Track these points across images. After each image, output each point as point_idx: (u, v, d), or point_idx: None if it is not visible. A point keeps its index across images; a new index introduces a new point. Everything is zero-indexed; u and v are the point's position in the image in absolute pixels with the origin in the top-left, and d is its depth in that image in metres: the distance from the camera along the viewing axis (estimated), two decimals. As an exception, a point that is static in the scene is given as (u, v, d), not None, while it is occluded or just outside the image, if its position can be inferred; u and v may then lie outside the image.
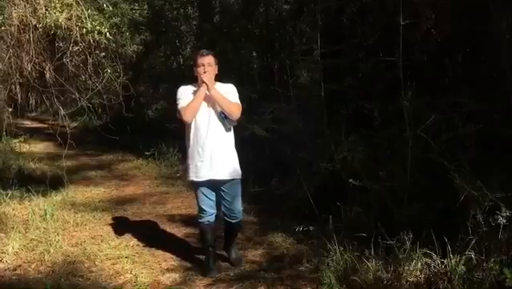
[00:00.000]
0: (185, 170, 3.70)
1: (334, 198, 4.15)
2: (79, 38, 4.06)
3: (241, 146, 5.14)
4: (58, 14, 3.85)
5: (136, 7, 10.38)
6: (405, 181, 3.67)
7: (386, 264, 3.32)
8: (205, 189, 3.58)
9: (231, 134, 3.64)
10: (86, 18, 4.05)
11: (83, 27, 4.03)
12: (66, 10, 3.89)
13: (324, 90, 4.99)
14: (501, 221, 2.75)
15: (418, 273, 3.14)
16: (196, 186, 3.62)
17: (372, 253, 3.29)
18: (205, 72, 3.48)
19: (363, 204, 3.93)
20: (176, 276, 3.65)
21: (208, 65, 3.50)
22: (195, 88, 3.56)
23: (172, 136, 8.11)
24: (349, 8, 5.87)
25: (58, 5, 3.83)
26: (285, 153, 5.31)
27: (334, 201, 4.11)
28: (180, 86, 3.64)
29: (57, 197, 5.85)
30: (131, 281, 3.56)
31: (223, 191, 3.60)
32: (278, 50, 6.26)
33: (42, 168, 7.84)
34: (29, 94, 5.08)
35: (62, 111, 4.38)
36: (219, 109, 3.52)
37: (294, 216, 4.61)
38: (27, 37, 4.03)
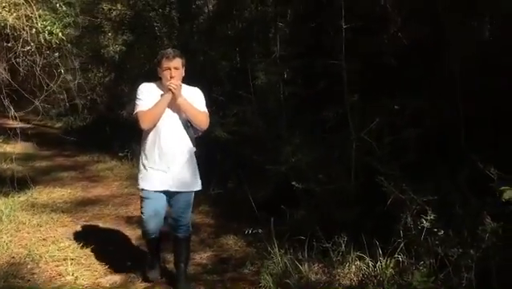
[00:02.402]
0: (139, 176, 3.28)
1: (286, 201, 4.14)
2: (29, 39, 4.04)
3: (203, 148, 5.16)
4: (5, 13, 3.83)
5: (118, 7, 10.40)
6: (349, 184, 3.66)
7: (324, 267, 3.33)
8: (154, 200, 3.20)
9: (194, 143, 3.31)
10: (36, 18, 4.02)
11: (33, 27, 4.01)
12: (13, 10, 3.86)
13: (283, 93, 4.99)
14: (426, 224, 2.74)
15: (352, 276, 3.13)
16: (145, 196, 3.22)
17: (306, 256, 3.29)
18: (171, 77, 3.12)
19: (310, 207, 3.92)
20: (117, 278, 3.64)
21: (175, 69, 3.13)
22: (158, 89, 3.21)
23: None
24: (318, 13, 5.87)
25: (5, 3, 3.80)
26: (246, 156, 5.30)
27: (285, 204, 4.11)
28: (142, 83, 3.29)
29: (20, 198, 5.83)
30: (70, 283, 3.54)
31: (176, 202, 3.26)
32: (246, 53, 6.25)
33: (14, 169, 7.79)
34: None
35: (12, 111, 4.35)
36: (184, 116, 3.19)
37: (250, 219, 4.59)
38: (-23, 37, 4.01)
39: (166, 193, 3.22)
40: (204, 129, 3.29)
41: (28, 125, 12.01)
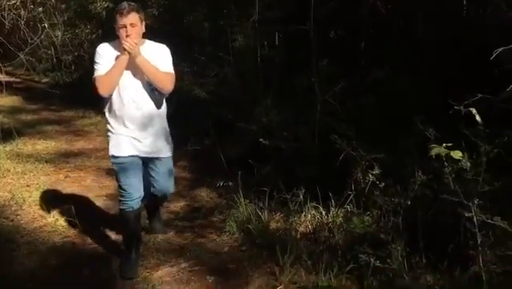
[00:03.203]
0: (109, 143, 3.08)
1: (256, 158, 4.44)
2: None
3: (182, 106, 5.40)
4: (-10, -34, 3.96)
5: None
6: (312, 142, 3.97)
7: (284, 216, 3.66)
8: (129, 167, 3.01)
9: (163, 106, 3.10)
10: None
11: (17, -20, 4.16)
12: (-1, -37, 4.01)
13: (260, 56, 5.22)
14: (372, 178, 3.06)
15: (307, 223, 3.48)
16: (117, 163, 3.02)
17: (267, 205, 3.61)
18: (127, 36, 2.82)
19: (276, 162, 4.22)
20: (93, 220, 3.94)
21: (131, 26, 2.82)
22: (116, 50, 2.93)
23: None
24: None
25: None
26: (222, 115, 5.55)
27: (255, 160, 4.40)
28: (100, 44, 3.01)
29: (6, 148, 6.07)
30: (51, 223, 3.85)
31: (152, 169, 3.12)
32: (226, 15, 6.40)
33: (0, 121, 8.00)
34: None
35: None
36: (147, 78, 2.94)
37: (223, 173, 4.89)
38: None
39: (140, 158, 3.04)
40: (167, 91, 3.00)
41: (15, 79, 12.11)
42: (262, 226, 3.53)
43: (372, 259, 2.53)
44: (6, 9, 4.39)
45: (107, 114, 3.07)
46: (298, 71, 4.96)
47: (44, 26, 4.66)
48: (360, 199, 3.29)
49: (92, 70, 2.95)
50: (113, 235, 3.71)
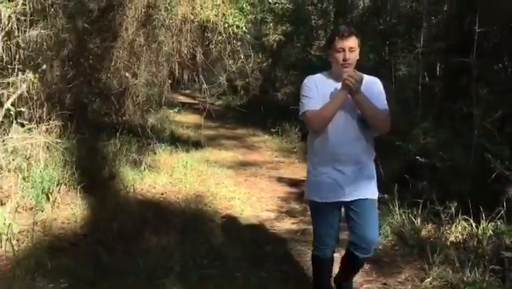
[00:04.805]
0: (306, 185, 2.88)
1: (411, 174, 4.91)
2: (222, 31, 5.41)
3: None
4: (209, 11, 5.22)
5: (282, 1, 11.82)
6: (467, 163, 4.33)
7: (436, 227, 4.09)
8: (329, 214, 2.77)
9: (372, 143, 2.80)
10: (229, 15, 5.37)
11: (226, 22, 5.36)
12: (214, 9, 5.24)
13: (420, 84, 5.70)
14: (524, 195, 3.36)
15: (457, 234, 3.86)
16: (317, 209, 2.81)
17: (420, 213, 4.08)
18: (345, 60, 2.61)
19: (430, 179, 4.64)
20: (271, 215, 4.84)
21: (350, 50, 2.61)
22: (327, 80, 2.73)
23: (295, 117, 9.45)
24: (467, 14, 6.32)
25: (209, 5, 5.20)
26: (382, 136, 6.11)
27: (410, 175, 4.88)
28: (307, 76, 2.81)
29: (196, 155, 7.44)
30: (238, 212, 4.83)
31: (354, 213, 2.72)
32: (391, 47, 7.00)
33: (189, 134, 9.67)
34: (183, 71, 6.65)
35: (204, 85, 5.79)
36: (359, 112, 2.66)
37: (378, 187, 5.42)
38: (186, 28, 5.50)
39: (341, 204, 2.76)
40: (384, 131, 2.77)
41: (195, 101, 14.20)
42: (414, 232, 4.01)
43: (516, 258, 2.87)
44: (213, 43, 5.64)
45: (309, 149, 2.87)
46: (457, 99, 5.33)
47: (240, 57, 5.82)
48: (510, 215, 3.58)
49: (299, 102, 2.77)
50: (286, 224, 4.55)
